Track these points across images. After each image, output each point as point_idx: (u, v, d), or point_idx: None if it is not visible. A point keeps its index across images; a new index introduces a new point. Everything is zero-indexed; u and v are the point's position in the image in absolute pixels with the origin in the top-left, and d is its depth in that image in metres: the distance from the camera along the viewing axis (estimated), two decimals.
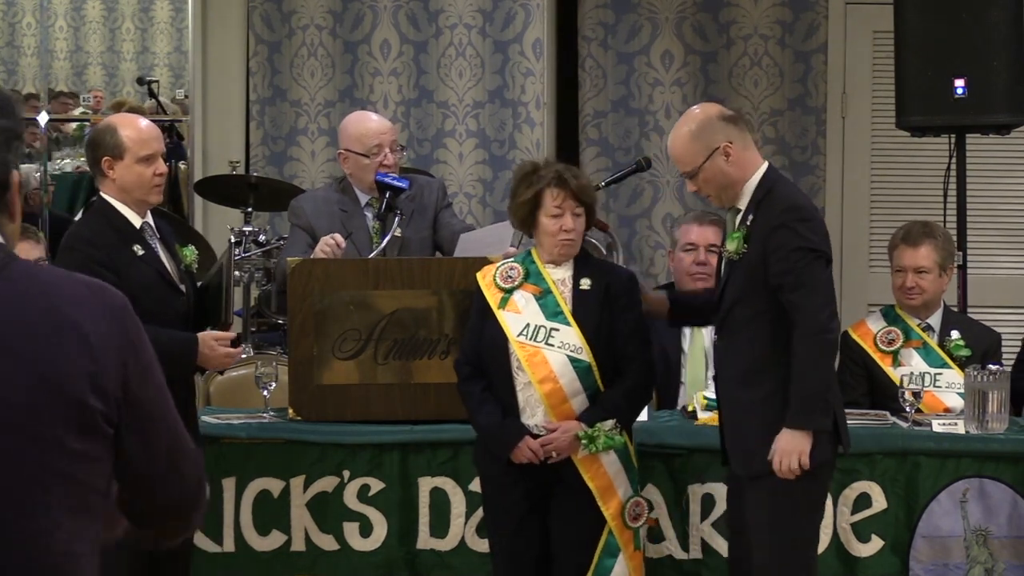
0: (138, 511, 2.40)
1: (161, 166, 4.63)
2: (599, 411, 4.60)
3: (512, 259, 4.78)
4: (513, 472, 4.61)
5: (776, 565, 4.41)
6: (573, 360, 4.59)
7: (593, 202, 4.68)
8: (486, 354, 4.65)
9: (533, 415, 4.61)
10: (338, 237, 5.30)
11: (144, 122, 4.79)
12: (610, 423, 4.58)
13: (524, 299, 4.66)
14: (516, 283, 4.69)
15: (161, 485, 2.38)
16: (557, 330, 4.61)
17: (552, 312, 4.63)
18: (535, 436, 4.58)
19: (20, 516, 2.22)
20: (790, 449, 4.30)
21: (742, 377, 4.46)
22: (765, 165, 4.51)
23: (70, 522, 2.26)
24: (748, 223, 4.43)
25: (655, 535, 4.94)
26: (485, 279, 4.74)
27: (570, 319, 4.61)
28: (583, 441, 4.55)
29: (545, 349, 4.59)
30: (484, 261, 4.93)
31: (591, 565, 4.60)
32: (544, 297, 4.65)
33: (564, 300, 4.64)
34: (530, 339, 4.61)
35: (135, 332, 2.35)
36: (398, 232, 5.42)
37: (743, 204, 4.47)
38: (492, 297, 4.69)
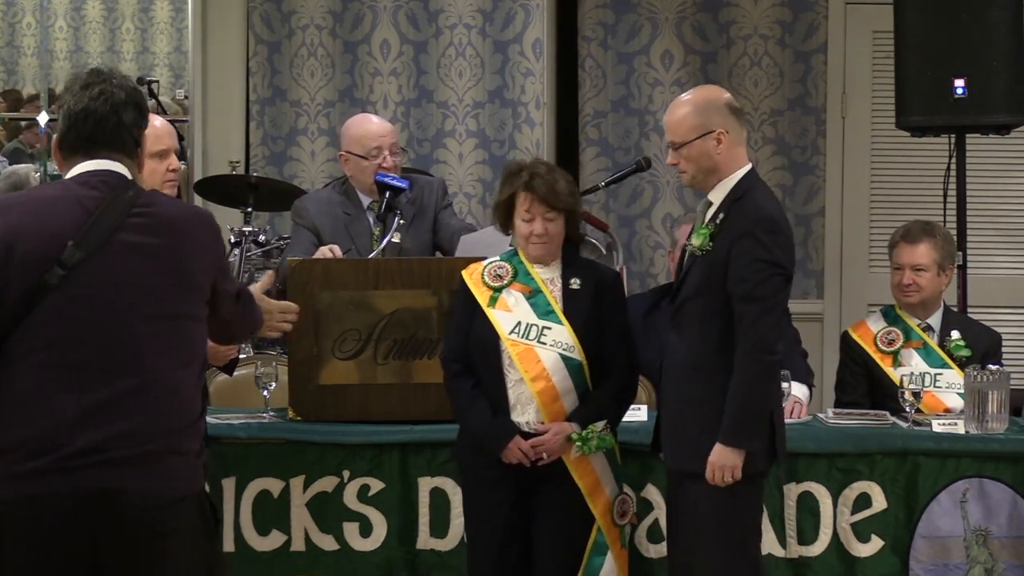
0: (218, 336, 3.85)
1: (174, 162, 4.64)
2: (591, 411, 4.61)
3: (499, 257, 4.79)
4: (499, 469, 4.62)
5: (714, 563, 4.41)
6: (566, 358, 4.60)
7: (570, 207, 4.65)
8: (475, 351, 4.65)
9: (524, 412, 4.62)
10: (336, 249, 5.31)
11: (158, 119, 4.79)
12: (601, 424, 4.59)
13: (514, 298, 4.67)
14: (505, 282, 4.70)
15: (228, 327, 3.77)
16: (549, 328, 4.62)
17: (544, 311, 4.64)
18: (526, 435, 4.60)
19: (159, 362, 3.42)
20: (722, 464, 4.30)
21: (687, 373, 4.46)
22: (748, 167, 4.49)
23: (185, 366, 3.49)
24: (718, 221, 4.42)
25: (655, 535, 4.94)
26: (472, 277, 4.75)
27: (562, 317, 4.63)
28: (577, 443, 4.56)
29: (538, 347, 4.60)
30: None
31: (581, 564, 4.61)
32: (534, 296, 4.66)
33: (555, 299, 4.66)
34: (522, 337, 4.62)
35: (220, 240, 3.64)
36: (396, 238, 5.41)
37: (716, 199, 4.46)
38: (481, 295, 4.70)
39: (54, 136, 3.64)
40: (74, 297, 3.38)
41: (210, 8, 7.84)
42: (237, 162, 7.56)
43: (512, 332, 4.62)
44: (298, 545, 5.00)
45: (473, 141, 7.58)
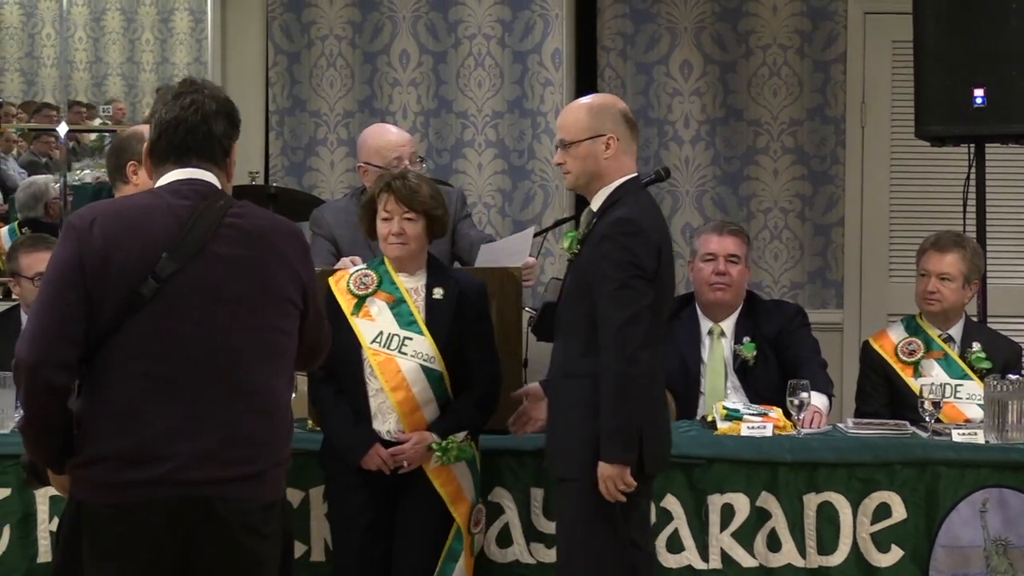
0: (304, 357, 3.74)
1: None
2: (451, 421, 4.65)
3: (365, 266, 4.82)
4: (362, 475, 4.64)
5: (572, 568, 4.41)
6: (426, 369, 4.63)
7: (429, 209, 4.66)
8: (338, 359, 4.57)
9: (385, 422, 4.65)
10: (358, 260, 5.33)
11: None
12: (462, 435, 4.63)
13: (377, 307, 4.70)
14: (370, 290, 4.72)
15: (316, 346, 3.77)
16: (411, 339, 4.64)
17: (406, 321, 4.67)
18: (387, 443, 4.62)
19: (253, 372, 3.48)
20: (607, 477, 4.29)
21: (560, 380, 4.48)
22: (630, 176, 4.48)
23: (277, 376, 3.55)
24: (590, 227, 4.45)
25: (675, 545, 4.94)
26: (338, 284, 4.77)
27: (424, 328, 4.65)
28: (437, 453, 4.59)
29: (398, 357, 4.62)
30: (504, 271, 4.94)
31: (435, 569, 4.63)
32: (398, 306, 4.68)
33: (417, 309, 4.69)
34: (384, 347, 4.64)
35: (309, 256, 3.69)
36: None
37: (596, 206, 4.47)
38: (345, 303, 4.72)
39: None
40: (168, 309, 3.42)
41: (229, 19, 7.86)
42: (257, 172, 7.56)
43: (374, 341, 4.65)
44: (318, 555, 5.01)
45: (492, 151, 7.58)
